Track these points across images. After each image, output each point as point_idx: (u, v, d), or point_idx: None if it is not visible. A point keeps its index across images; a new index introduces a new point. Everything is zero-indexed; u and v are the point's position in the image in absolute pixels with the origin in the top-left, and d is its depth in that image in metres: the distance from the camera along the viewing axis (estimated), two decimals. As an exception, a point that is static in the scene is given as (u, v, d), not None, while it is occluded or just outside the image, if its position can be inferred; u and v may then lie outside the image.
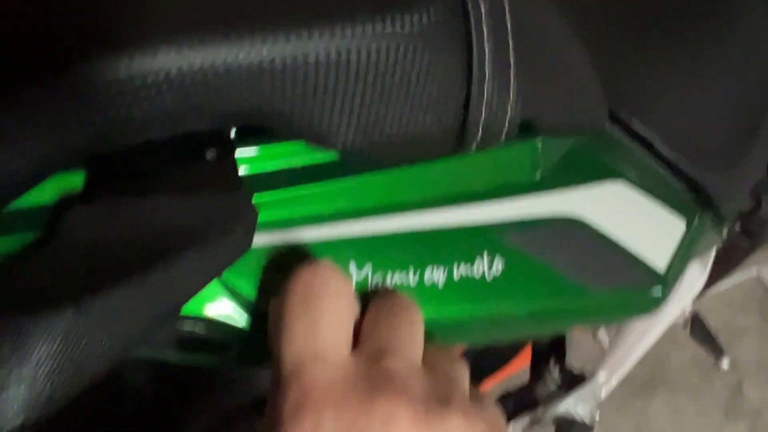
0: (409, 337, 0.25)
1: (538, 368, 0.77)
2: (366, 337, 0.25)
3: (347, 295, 0.25)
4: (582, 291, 0.34)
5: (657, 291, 0.37)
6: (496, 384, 0.88)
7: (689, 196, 0.44)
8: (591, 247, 0.35)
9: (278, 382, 0.23)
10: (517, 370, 0.88)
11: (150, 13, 0.22)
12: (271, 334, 0.25)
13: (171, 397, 0.43)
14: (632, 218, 0.37)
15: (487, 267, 0.31)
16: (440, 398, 0.23)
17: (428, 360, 0.26)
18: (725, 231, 0.57)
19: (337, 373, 0.23)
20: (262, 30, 0.23)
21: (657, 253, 0.37)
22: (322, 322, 0.24)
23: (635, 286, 0.36)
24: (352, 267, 0.28)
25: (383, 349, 0.24)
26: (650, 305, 0.37)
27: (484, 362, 0.79)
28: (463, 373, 0.27)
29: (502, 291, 0.31)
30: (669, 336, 1.22)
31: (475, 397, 0.26)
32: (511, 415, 0.72)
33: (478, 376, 0.79)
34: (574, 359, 0.75)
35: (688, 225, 0.40)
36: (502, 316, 0.32)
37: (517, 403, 0.74)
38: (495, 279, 0.31)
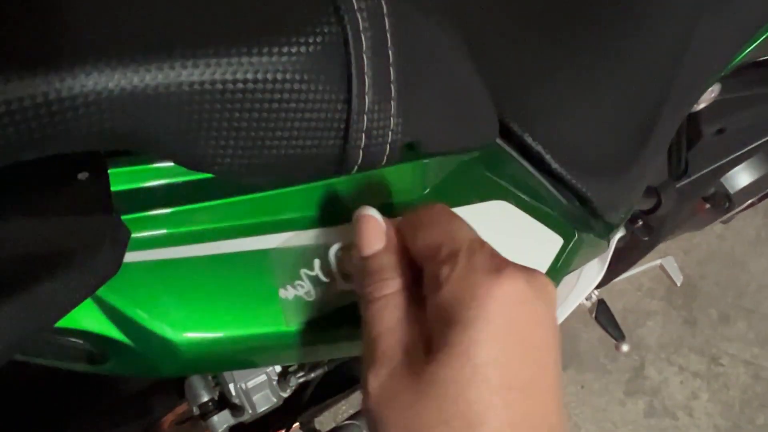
0: None
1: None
2: None
3: None
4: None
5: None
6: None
7: (576, 206, 0.46)
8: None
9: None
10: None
11: (22, 38, 0.22)
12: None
13: (57, 393, 0.43)
14: (512, 235, 0.39)
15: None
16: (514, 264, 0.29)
17: None
18: (617, 234, 0.60)
19: None
20: (131, 59, 0.23)
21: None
22: None
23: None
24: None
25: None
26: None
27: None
28: None
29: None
30: (581, 318, 1.29)
31: None
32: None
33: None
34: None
35: (566, 241, 0.42)
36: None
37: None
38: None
